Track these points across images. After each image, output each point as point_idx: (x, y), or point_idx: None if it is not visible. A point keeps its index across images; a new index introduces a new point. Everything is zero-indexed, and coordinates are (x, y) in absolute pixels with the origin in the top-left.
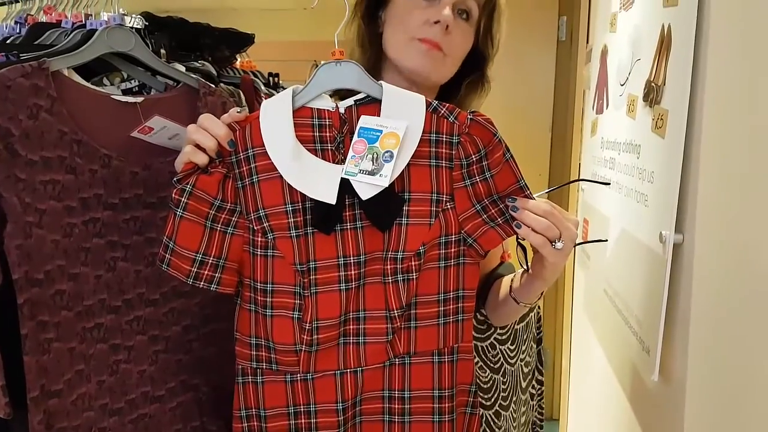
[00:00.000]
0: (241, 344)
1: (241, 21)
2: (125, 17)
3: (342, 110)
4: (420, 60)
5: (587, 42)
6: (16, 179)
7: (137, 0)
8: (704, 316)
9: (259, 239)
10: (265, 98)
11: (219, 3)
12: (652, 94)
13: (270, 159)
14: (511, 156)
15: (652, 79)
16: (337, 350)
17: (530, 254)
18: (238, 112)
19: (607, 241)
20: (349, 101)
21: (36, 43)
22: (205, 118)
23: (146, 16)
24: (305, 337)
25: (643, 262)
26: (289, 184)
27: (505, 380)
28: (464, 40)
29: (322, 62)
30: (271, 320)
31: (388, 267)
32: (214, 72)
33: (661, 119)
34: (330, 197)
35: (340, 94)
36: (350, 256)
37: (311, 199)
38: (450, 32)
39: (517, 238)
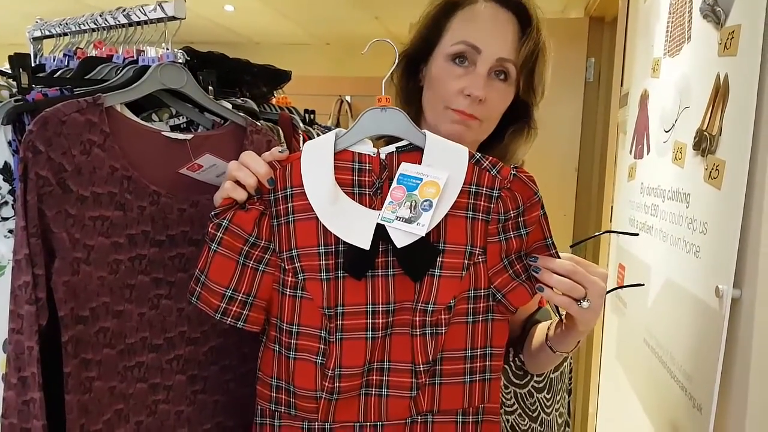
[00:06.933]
0: (262, 384)
1: (264, 54)
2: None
3: (383, 156)
4: (453, 128)
5: (621, 84)
6: (67, 215)
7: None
8: (764, 374)
9: (290, 279)
10: (303, 135)
11: (244, 37)
12: (704, 143)
13: (307, 199)
14: (545, 214)
15: (704, 129)
16: (358, 401)
17: None
18: (280, 151)
19: (643, 285)
20: (391, 147)
21: (87, 77)
22: (247, 156)
23: (188, 50)
24: (326, 384)
25: (694, 314)
26: (324, 226)
27: (542, 430)
28: (501, 101)
29: (368, 108)
30: (294, 363)
31: (417, 319)
32: (256, 109)
33: (717, 170)
34: (364, 242)
35: (383, 140)
36: (379, 304)
37: (345, 243)
38: (485, 101)
39: None
